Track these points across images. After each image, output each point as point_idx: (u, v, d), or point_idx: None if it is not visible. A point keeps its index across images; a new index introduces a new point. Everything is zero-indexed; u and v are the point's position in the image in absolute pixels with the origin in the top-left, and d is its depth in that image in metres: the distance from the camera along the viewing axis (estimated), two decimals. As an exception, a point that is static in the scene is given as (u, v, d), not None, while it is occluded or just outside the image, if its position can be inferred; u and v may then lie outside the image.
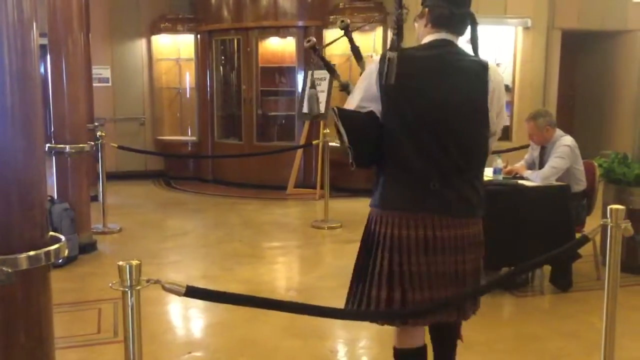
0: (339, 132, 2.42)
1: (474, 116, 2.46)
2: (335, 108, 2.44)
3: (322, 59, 3.02)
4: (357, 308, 2.57)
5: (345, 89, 2.87)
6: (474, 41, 2.52)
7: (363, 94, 2.45)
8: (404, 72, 2.32)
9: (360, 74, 2.60)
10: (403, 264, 2.44)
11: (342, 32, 2.96)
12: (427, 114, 2.40)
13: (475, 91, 2.46)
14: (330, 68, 3.01)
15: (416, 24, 2.61)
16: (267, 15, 8.83)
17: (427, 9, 2.53)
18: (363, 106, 2.44)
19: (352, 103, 2.49)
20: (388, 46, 2.42)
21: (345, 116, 2.42)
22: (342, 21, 2.89)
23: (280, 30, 8.99)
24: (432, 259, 2.44)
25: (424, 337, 2.66)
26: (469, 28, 2.54)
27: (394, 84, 2.30)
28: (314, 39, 3.01)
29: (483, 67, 2.50)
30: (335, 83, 3.10)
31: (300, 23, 8.77)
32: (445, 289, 2.47)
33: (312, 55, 3.00)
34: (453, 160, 2.41)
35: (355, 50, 2.89)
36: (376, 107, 2.42)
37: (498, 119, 2.56)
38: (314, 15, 8.72)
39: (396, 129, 2.41)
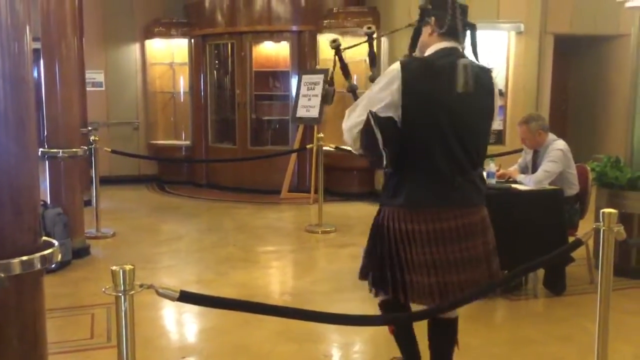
0: (370, 134, 2.55)
1: (486, 118, 2.75)
2: (370, 112, 2.56)
3: (342, 60, 3.04)
4: (403, 292, 2.74)
5: (354, 91, 2.96)
6: (474, 48, 2.74)
7: (386, 100, 2.59)
8: (430, 80, 2.59)
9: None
10: (440, 252, 2.68)
11: (366, 38, 3.03)
12: (455, 120, 2.61)
13: (486, 95, 2.71)
14: (346, 71, 3.07)
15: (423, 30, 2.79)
16: (260, 20, 8.84)
17: (434, 19, 2.69)
18: (384, 112, 2.58)
19: (371, 105, 2.61)
20: (406, 52, 2.79)
21: (382, 122, 2.55)
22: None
23: (274, 35, 9.00)
24: (464, 244, 2.71)
25: None
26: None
27: (419, 90, 2.57)
28: (339, 41, 3.04)
29: (488, 72, 2.76)
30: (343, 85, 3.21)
31: (294, 28, 8.78)
32: (481, 265, 2.77)
33: (335, 56, 3.06)
34: (470, 158, 2.69)
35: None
36: (395, 114, 2.59)
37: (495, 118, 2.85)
38: (307, 19, 8.73)
39: (427, 135, 2.61)
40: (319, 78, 8.38)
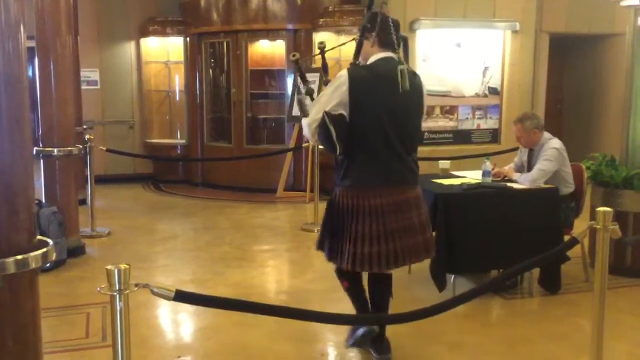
0: (325, 129, 3.18)
1: (417, 113, 3.42)
2: (324, 112, 3.17)
3: (301, 71, 3.43)
4: (353, 262, 3.30)
5: (310, 94, 3.41)
6: (406, 56, 3.35)
7: (336, 100, 3.20)
8: (372, 82, 3.23)
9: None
10: (380, 224, 3.26)
11: (319, 51, 3.53)
12: (393, 115, 3.24)
13: (417, 96, 3.37)
14: (304, 78, 3.44)
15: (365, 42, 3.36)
16: (256, 18, 8.82)
17: (374, 34, 3.29)
18: (335, 110, 3.20)
19: (325, 104, 3.22)
20: (351, 61, 3.41)
21: (334, 119, 3.17)
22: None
23: (269, 33, 8.99)
24: (401, 216, 3.30)
25: None
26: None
27: (363, 92, 3.18)
28: (299, 55, 3.42)
29: (418, 76, 3.43)
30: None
31: (289, 26, 8.77)
32: (416, 235, 3.36)
33: (295, 66, 3.50)
34: (405, 146, 3.32)
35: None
36: (345, 111, 3.21)
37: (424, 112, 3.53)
38: (303, 18, 8.72)
39: (369, 128, 3.23)
40: (315, 77, 8.36)
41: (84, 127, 8.14)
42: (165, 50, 9.93)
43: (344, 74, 3.23)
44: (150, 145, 9.96)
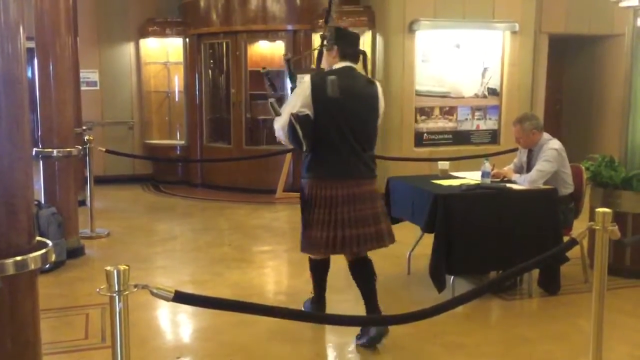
0: (292, 129, 3.61)
1: (373, 116, 3.80)
2: (291, 114, 3.61)
3: (290, 69, 3.93)
4: (310, 246, 3.84)
5: (279, 99, 3.92)
6: (365, 67, 3.87)
7: (301, 102, 3.64)
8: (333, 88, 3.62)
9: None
10: (338, 213, 3.66)
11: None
12: (349, 117, 3.66)
13: (372, 99, 3.79)
14: (274, 86, 3.96)
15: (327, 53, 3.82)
16: (255, 19, 8.82)
17: (336, 47, 3.75)
18: (302, 111, 3.62)
19: (293, 106, 3.66)
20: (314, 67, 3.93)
21: (300, 119, 3.60)
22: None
23: (269, 34, 8.99)
24: (356, 207, 3.68)
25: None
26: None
27: (325, 96, 3.57)
28: (290, 55, 3.93)
29: (373, 82, 3.87)
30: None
31: (289, 27, 8.77)
32: (369, 226, 3.71)
33: (286, 66, 4.01)
34: (361, 144, 3.71)
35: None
36: (310, 111, 3.63)
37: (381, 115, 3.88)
38: (302, 19, 8.73)
39: (329, 127, 3.64)
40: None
41: (84, 128, 8.13)
42: (164, 51, 9.93)
43: (307, 79, 3.70)
44: (149, 146, 9.96)
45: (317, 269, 4.18)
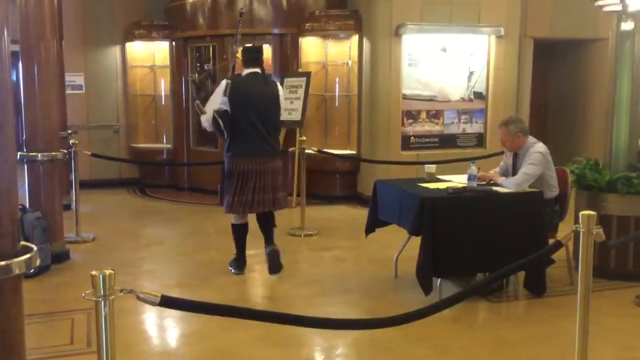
0: (216, 122, 4.95)
1: (275, 109, 5.15)
2: (214, 111, 4.94)
3: (206, 83, 5.97)
4: (229, 207, 5.14)
5: (203, 100, 5.19)
6: (262, 71, 5.20)
7: (220, 100, 4.95)
8: (242, 88, 5.00)
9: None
10: (249, 182, 5.02)
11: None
12: (255, 110, 5.00)
13: (273, 96, 5.13)
14: (199, 92, 5.74)
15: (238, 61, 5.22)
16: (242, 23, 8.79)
17: (242, 57, 5.13)
18: (221, 107, 4.95)
19: (214, 104, 4.97)
20: (230, 73, 5.20)
21: (220, 114, 4.94)
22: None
23: (256, 38, 8.95)
24: (261, 178, 5.04)
25: (247, 220, 5.34)
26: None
27: (237, 94, 4.94)
28: (196, 76, 5.15)
29: (274, 82, 5.43)
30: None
31: (275, 30, 8.77)
32: (268, 193, 5.10)
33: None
34: (267, 129, 5.07)
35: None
36: (227, 107, 4.96)
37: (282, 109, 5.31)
38: (289, 22, 8.73)
39: (241, 117, 4.97)
40: (301, 81, 8.39)
41: (69, 131, 8.06)
42: (150, 55, 9.89)
43: (225, 82, 4.98)
44: (135, 150, 9.91)
45: (238, 232, 5.34)
